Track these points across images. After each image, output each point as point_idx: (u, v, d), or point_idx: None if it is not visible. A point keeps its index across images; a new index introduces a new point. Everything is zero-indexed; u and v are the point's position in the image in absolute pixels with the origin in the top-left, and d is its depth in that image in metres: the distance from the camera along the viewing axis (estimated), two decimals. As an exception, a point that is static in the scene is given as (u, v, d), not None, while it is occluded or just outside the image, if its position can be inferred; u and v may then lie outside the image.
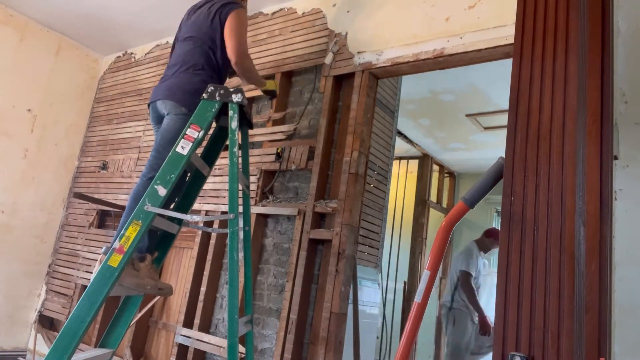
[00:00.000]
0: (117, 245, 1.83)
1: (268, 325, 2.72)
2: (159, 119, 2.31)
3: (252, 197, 3.00)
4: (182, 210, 2.38)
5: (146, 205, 1.88)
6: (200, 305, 3.01)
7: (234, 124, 2.13)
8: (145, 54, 4.29)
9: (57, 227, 4.34)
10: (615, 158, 1.19)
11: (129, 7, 3.72)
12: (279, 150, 2.94)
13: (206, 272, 3.06)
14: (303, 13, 3.17)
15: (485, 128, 4.59)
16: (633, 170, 1.17)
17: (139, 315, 3.30)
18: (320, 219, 2.68)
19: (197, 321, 2.99)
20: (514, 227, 1.27)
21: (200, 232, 3.18)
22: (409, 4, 2.67)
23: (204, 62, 2.31)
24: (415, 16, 2.62)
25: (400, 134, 4.53)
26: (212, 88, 2.10)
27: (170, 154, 1.97)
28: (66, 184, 4.43)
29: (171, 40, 4.11)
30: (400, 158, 5.48)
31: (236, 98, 2.12)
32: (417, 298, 1.29)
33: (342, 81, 2.90)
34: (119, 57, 4.58)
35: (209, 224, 3.15)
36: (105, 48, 4.57)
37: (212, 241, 3.10)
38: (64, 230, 4.28)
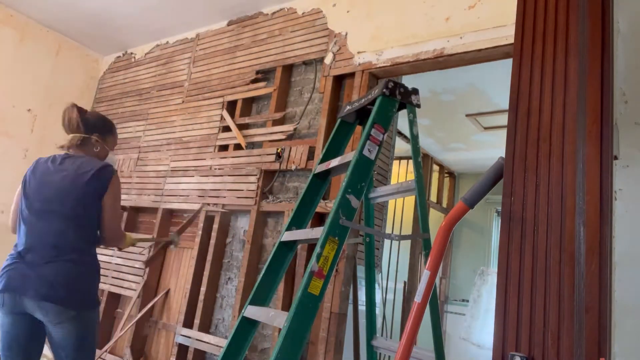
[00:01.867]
0: (315, 267, 1.51)
1: (268, 325, 2.72)
2: None
3: (252, 197, 3.01)
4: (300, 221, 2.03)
5: (340, 218, 1.58)
6: (200, 305, 3.01)
7: (415, 129, 1.87)
8: (145, 54, 4.29)
9: (57, 227, 4.33)
10: (615, 158, 1.19)
11: (129, 7, 3.72)
12: (279, 150, 2.94)
13: (206, 272, 3.06)
14: (303, 13, 3.17)
15: (485, 128, 4.59)
16: (633, 170, 1.17)
17: (139, 315, 3.30)
18: (320, 219, 2.68)
19: (197, 321, 2.99)
20: (514, 227, 1.27)
21: (200, 232, 3.18)
22: (409, 4, 2.67)
23: None
24: (415, 16, 2.62)
25: (400, 134, 4.52)
26: (393, 84, 1.81)
27: (357, 159, 1.67)
28: (66, 184, 4.43)
29: (171, 40, 4.11)
30: (400, 158, 5.48)
31: (416, 100, 1.86)
32: (417, 298, 1.29)
33: (342, 81, 2.90)
34: (119, 57, 4.58)
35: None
36: (105, 48, 4.58)
37: (212, 241, 3.10)
38: (64, 230, 4.27)
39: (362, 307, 2.78)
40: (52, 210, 1.94)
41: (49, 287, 1.84)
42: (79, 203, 1.94)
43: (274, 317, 1.60)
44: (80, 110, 2.13)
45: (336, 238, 1.56)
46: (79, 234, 1.94)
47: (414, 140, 1.86)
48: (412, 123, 1.87)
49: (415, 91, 1.86)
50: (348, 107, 2.03)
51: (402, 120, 4.45)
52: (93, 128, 2.13)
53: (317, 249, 1.52)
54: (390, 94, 1.79)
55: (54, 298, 1.83)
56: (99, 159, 2.10)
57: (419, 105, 1.87)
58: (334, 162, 1.86)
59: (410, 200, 5.41)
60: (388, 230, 4.74)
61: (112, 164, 2.13)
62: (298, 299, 1.46)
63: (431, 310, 1.80)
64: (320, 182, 2.00)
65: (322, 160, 1.99)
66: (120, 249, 2.23)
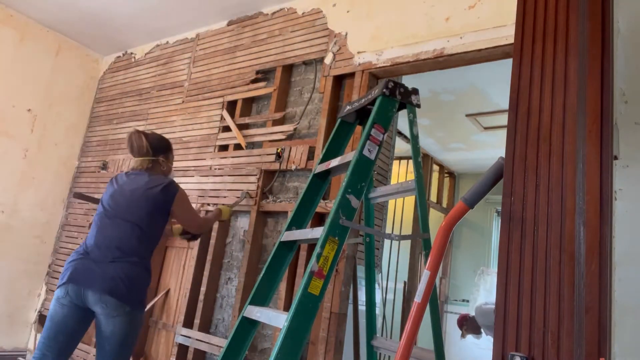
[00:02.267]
0: (315, 267, 1.51)
1: (268, 325, 2.72)
2: None
3: (252, 197, 3.01)
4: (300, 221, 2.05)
5: (340, 218, 1.59)
6: (200, 305, 3.01)
7: (415, 129, 1.86)
8: (145, 54, 4.29)
9: (57, 227, 4.34)
10: (615, 158, 1.19)
11: (129, 7, 3.72)
12: (279, 150, 2.94)
13: (206, 272, 3.06)
14: (303, 13, 3.17)
15: (485, 128, 4.59)
16: (633, 170, 1.17)
17: (139, 315, 3.31)
18: (320, 219, 2.68)
19: (197, 321, 2.99)
20: (514, 227, 1.27)
21: (200, 232, 3.18)
22: (409, 4, 2.67)
23: None
24: (415, 16, 2.62)
25: (400, 134, 4.52)
26: (393, 84, 1.82)
27: (357, 159, 1.68)
28: (66, 184, 4.43)
29: (171, 40, 4.11)
30: (400, 158, 5.48)
31: (416, 100, 1.86)
32: (417, 298, 1.29)
33: (342, 81, 2.90)
34: (119, 57, 4.58)
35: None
36: (105, 48, 4.58)
37: (212, 241, 3.10)
38: (64, 230, 4.28)
39: (362, 307, 2.78)
40: (122, 217, 2.23)
41: (112, 282, 2.07)
42: (146, 214, 2.24)
43: (274, 317, 1.61)
44: (146, 136, 2.41)
45: (336, 238, 1.56)
46: (140, 240, 2.21)
47: (414, 140, 1.86)
48: (412, 123, 1.87)
49: (415, 91, 1.86)
50: (348, 107, 2.03)
51: (402, 120, 4.45)
52: (159, 150, 2.44)
53: (317, 249, 1.52)
54: (390, 94, 1.79)
55: (115, 292, 2.06)
56: (164, 176, 2.43)
57: (419, 105, 1.87)
58: (334, 162, 1.86)
59: (410, 200, 5.41)
60: (388, 230, 4.74)
61: (172, 177, 2.49)
62: (298, 298, 1.46)
63: (431, 310, 1.80)
64: (320, 182, 2.00)
65: (322, 160, 1.99)
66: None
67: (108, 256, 2.14)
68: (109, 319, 2.08)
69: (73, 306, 2.12)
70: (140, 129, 4.00)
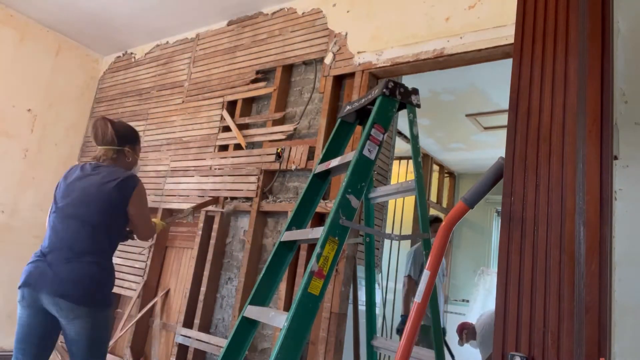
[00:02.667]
0: (315, 267, 1.50)
1: (268, 325, 2.72)
2: None
3: (252, 197, 3.01)
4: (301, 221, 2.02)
5: (340, 218, 1.57)
6: (200, 305, 3.01)
7: (415, 129, 1.85)
8: (145, 54, 4.29)
9: (57, 227, 4.34)
10: (615, 158, 1.18)
11: (129, 7, 3.73)
12: (279, 150, 2.94)
13: (206, 272, 3.06)
14: (303, 13, 3.17)
15: (485, 128, 4.59)
16: (633, 170, 1.17)
17: (139, 315, 3.30)
18: (320, 219, 2.68)
19: (197, 321, 2.99)
20: (514, 227, 1.27)
21: (200, 232, 3.18)
22: (409, 4, 2.67)
23: None
24: (415, 16, 2.62)
25: (400, 134, 4.52)
26: (393, 84, 1.80)
27: (357, 159, 1.66)
28: (66, 184, 4.43)
29: (171, 40, 4.11)
30: (400, 158, 5.48)
31: (416, 100, 1.84)
32: (417, 298, 1.29)
33: (342, 81, 2.90)
34: (119, 57, 4.58)
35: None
36: (105, 48, 4.58)
37: (212, 241, 3.10)
38: (64, 230, 4.28)
39: (362, 307, 2.78)
40: (75, 215, 2.09)
41: (63, 284, 1.98)
42: (100, 210, 2.08)
43: (273, 317, 1.60)
44: (112, 123, 2.24)
45: (336, 238, 1.55)
46: (95, 238, 2.08)
47: (414, 140, 1.85)
48: (412, 123, 1.86)
49: (415, 91, 1.85)
50: (348, 107, 2.02)
51: (402, 120, 4.45)
52: (125, 140, 2.26)
53: (317, 249, 1.52)
54: (390, 94, 1.78)
55: (67, 295, 1.96)
56: (129, 168, 2.26)
57: (419, 105, 1.86)
58: (334, 162, 1.85)
59: (410, 200, 5.42)
60: (388, 231, 4.74)
61: (136, 172, 2.29)
62: (298, 299, 1.46)
63: (432, 311, 1.80)
64: (320, 182, 2.00)
65: (322, 160, 1.99)
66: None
67: (61, 257, 2.04)
68: (67, 322, 2.00)
69: (32, 309, 2.07)
70: (140, 128, 4.00)
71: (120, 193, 2.10)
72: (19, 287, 2.10)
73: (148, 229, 2.26)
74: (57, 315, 2.01)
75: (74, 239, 2.06)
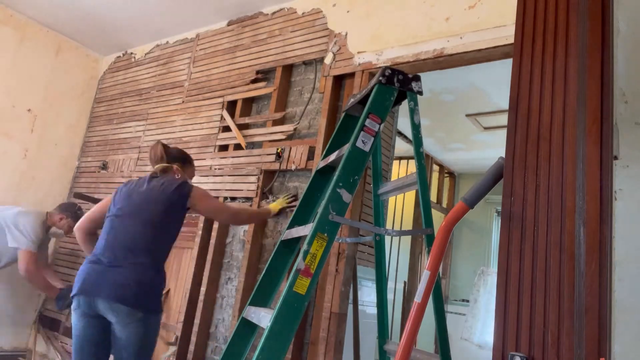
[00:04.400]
0: (302, 265, 1.44)
1: (268, 325, 2.72)
2: None
3: (252, 197, 3.01)
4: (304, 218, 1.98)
5: (330, 214, 1.50)
6: (200, 305, 3.01)
7: (417, 117, 1.75)
8: (145, 54, 4.29)
9: (57, 227, 4.33)
10: (615, 158, 1.18)
11: (129, 7, 3.72)
12: (278, 150, 2.94)
13: (206, 272, 3.06)
14: (303, 13, 3.17)
15: (485, 128, 4.59)
16: (633, 170, 1.17)
17: (139, 315, 3.30)
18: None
19: (197, 321, 2.99)
20: (514, 227, 1.27)
21: (200, 233, 3.18)
22: (408, 4, 2.67)
23: None
24: (415, 16, 2.62)
25: (400, 134, 4.52)
26: (390, 71, 1.73)
27: (349, 151, 1.59)
28: (66, 184, 4.43)
29: (171, 40, 4.11)
30: (400, 158, 5.48)
31: (417, 87, 1.76)
32: (417, 298, 1.29)
33: (342, 81, 2.90)
34: (119, 57, 4.58)
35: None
36: (105, 48, 4.58)
37: (212, 241, 3.10)
38: (64, 230, 4.28)
39: (362, 307, 2.78)
40: (137, 214, 2.18)
41: (121, 289, 2.00)
42: (162, 208, 2.18)
43: (263, 317, 1.56)
44: (165, 146, 2.45)
45: (325, 235, 1.47)
46: (153, 240, 2.14)
47: (415, 129, 1.76)
48: (413, 111, 1.76)
49: (416, 78, 1.76)
50: (352, 100, 1.99)
51: (402, 121, 4.45)
52: (174, 159, 2.44)
53: (305, 246, 1.46)
54: (387, 81, 1.69)
55: (125, 300, 1.98)
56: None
57: (420, 93, 1.76)
58: (332, 157, 1.81)
59: (410, 200, 5.42)
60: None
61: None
62: (283, 298, 1.41)
63: (436, 312, 1.73)
64: (322, 179, 1.97)
65: (325, 156, 1.95)
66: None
67: (119, 259, 2.07)
68: (122, 327, 2.01)
69: (88, 316, 2.07)
70: (140, 129, 4.01)
71: (180, 195, 2.23)
72: (74, 295, 2.08)
73: (228, 213, 2.48)
74: (113, 320, 2.02)
75: (132, 238, 2.11)
